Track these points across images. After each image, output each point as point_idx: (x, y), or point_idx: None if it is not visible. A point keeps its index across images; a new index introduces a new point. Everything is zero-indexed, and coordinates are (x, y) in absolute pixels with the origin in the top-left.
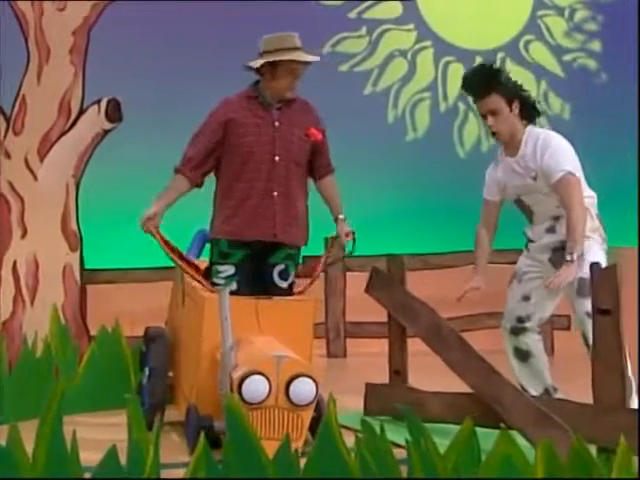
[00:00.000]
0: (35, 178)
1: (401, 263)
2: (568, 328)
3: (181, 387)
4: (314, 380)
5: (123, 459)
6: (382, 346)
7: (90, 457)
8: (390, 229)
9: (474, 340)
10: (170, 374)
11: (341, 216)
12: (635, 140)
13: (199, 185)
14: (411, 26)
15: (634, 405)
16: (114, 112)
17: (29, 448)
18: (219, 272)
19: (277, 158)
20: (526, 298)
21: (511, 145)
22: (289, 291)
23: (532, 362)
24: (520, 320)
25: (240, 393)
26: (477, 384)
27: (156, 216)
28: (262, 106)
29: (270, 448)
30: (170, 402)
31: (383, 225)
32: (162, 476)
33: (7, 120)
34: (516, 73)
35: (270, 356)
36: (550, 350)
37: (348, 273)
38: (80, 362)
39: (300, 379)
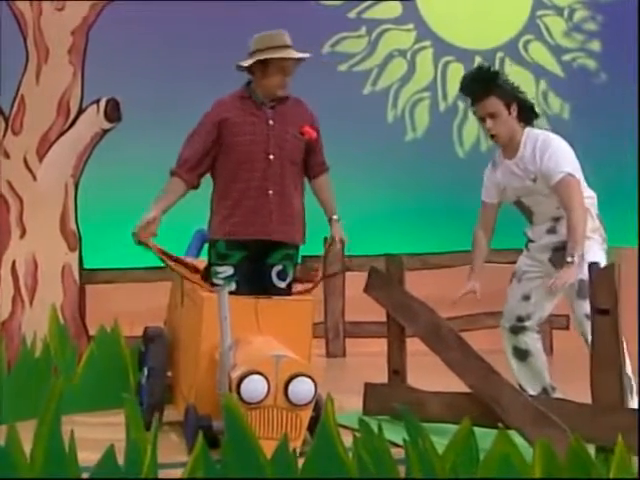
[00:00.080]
0: (34, 178)
1: (400, 263)
2: (567, 328)
3: (180, 387)
4: (313, 380)
5: (121, 459)
6: (381, 346)
7: (88, 457)
8: (389, 229)
9: (473, 340)
10: (169, 374)
11: (335, 217)
12: (635, 140)
13: (195, 187)
14: (410, 26)
15: (634, 405)
16: (113, 112)
17: (28, 448)
18: (218, 273)
19: (272, 157)
20: (526, 297)
21: (510, 147)
22: (287, 291)
23: (531, 361)
24: (520, 319)
25: (239, 393)
26: (476, 384)
27: (155, 221)
28: (255, 105)
29: (269, 448)
30: (169, 402)
31: (382, 225)
32: (160, 476)
33: (6, 120)
34: (515, 73)
35: (269, 356)
36: (549, 350)
37: (347, 273)
38: (79, 362)
39: (299, 379)
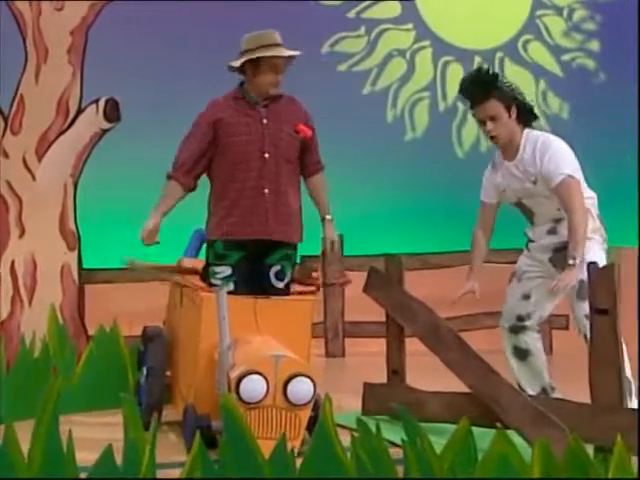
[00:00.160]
0: (33, 178)
1: (399, 263)
2: (566, 327)
3: (179, 387)
4: (312, 380)
5: (119, 459)
6: (381, 346)
7: (86, 457)
8: (388, 229)
9: (472, 340)
10: (168, 374)
11: (328, 217)
12: (635, 140)
13: (192, 189)
14: (410, 26)
15: (634, 406)
16: (112, 112)
17: (26, 448)
18: (216, 273)
19: (267, 155)
20: (526, 297)
21: (509, 149)
22: (286, 291)
23: (531, 361)
24: (520, 319)
25: (238, 392)
26: (475, 384)
27: (156, 228)
28: (249, 105)
29: (268, 448)
30: (168, 402)
31: (381, 225)
32: (158, 476)
33: (5, 120)
34: (515, 73)
35: (268, 356)
36: (548, 349)
37: (347, 273)
38: (78, 362)
39: (298, 379)
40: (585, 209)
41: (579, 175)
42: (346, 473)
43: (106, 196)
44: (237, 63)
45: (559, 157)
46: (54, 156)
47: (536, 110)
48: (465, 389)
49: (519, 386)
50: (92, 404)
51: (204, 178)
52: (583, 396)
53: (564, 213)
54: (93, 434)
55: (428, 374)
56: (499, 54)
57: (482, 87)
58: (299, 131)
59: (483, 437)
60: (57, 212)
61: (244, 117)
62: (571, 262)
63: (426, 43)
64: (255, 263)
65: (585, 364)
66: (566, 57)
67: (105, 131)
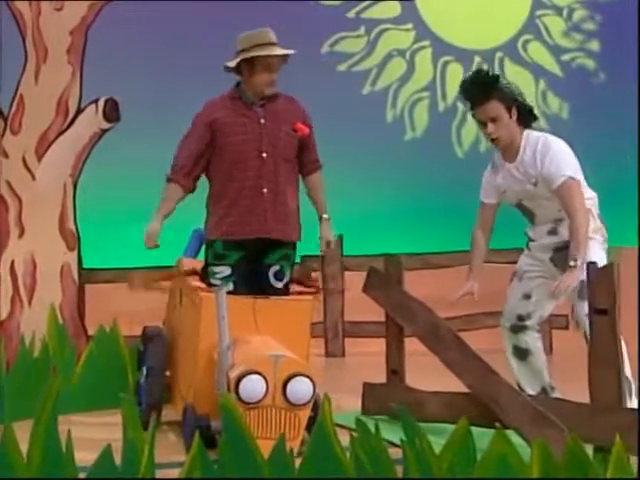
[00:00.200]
0: (33, 178)
1: (399, 263)
2: (566, 327)
3: (178, 386)
4: (311, 379)
5: (118, 459)
6: (380, 345)
7: (85, 457)
8: (388, 228)
9: (472, 340)
10: (168, 373)
11: (325, 215)
12: (635, 140)
13: (192, 191)
14: (409, 26)
15: (634, 406)
16: (112, 112)
17: (25, 448)
18: (215, 273)
19: (264, 155)
20: (527, 296)
21: (509, 151)
22: (285, 291)
23: (531, 360)
24: (520, 318)
25: (237, 392)
26: (474, 384)
27: (158, 232)
28: (245, 105)
29: (267, 448)
30: (167, 401)
31: (381, 224)
32: (157, 476)
33: (5, 120)
34: (514, 73)
35: (267, 355)
36: (548, 349)
37: (346, 272)
38: (78, 362)
39: (297, 378)
40: (586, 211)
41: (580, 176)
42: (345, 473)
43: (106, 196)
44: (232, 63)
45: (560, 159)
46: (54, 156)
47: (536, 110)
48: (464, 389)
49: (518, 386)
50: (92, 404)
51: (203, 178)
52: (583, 396)
53: (564, 214)
54: (92, 434)
55: (427, 374)
56: (499, 54)
57: (483, 88)
58: (297, 129)
59: (482, 437)
60: (57, 212)
61: (240, 117)
62: (572, 264)
63: (426, 43)
64: (254, 263)
65: (585, 364)
66: (566, 57)
67: (105, 131)
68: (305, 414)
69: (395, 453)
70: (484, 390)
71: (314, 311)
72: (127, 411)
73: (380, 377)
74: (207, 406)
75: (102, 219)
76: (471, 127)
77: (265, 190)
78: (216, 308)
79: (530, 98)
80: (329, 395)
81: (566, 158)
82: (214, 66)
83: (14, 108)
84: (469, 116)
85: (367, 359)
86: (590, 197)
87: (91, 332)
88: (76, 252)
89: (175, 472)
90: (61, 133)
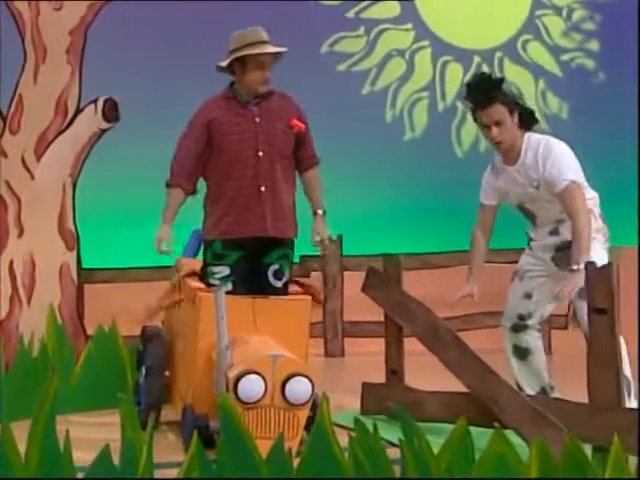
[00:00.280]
0: (32, 177)
1: (397, 262)
2: (566, 327)
3: (177, 386)
4: (310, 379)
5: (117, 459)
6: (380, 345)
7: (84, 457)
8: (387, 228)
9: (471, 339)
10: (167, 373)
11: (320, 211)
12: (635, 140)
13: (194, 193)
14: (409, 26)
15: (633, 406)
16: (111, 111)
17: (23, 448)
18: (214, 273)
19: (261, 153)
20: (528, 296)
21: (511, 154)
22: (284, 290)
23: (531, 360)
24: (521, 318)
25: (236, 392)
26: (473, 384)
27: (166, 237)
28: (240, 105)
29: (266, 447)
30: (166, 401)
31: (380, 224)
32: (156, 476)
33: (4, 119)
34: (514, 73)
35: (266, 355)
36: (548, 349)
37: (345, 272)
38: (77, 361)
39: (296, 378)
40: (588, 214)
41: (581, 177)
42: (343, 473)
43: (105, 196)
44: (224, 63)
45: (561, 162)
46: (53, 156)
47: (536, 112)
48: (463, 389)
49: (517, 386)
50: (90, 404)
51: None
52: (582, 396)
53: (566, 215)
54: (90, 434)
55: (426, 374)
56: (498, 54)
57: (487, 92)
58: (292, 126)
59: (481, 437)
60: (56, 212)
61: (235, 117)
62: (575, 267)
63: (425, 43)
64: (253, 262)
65: (584, 364)
66: (565, 57)
67: (104, 131)
68: (304, 414)
69: (393, 453)
70: (483, 390)
71: (313, 311)
72: (125, 411)
73: (379, 377)
74: (206, 406)
75: (101, 219)
76: (470, 127)
77: (263, 188)
78: (215, 308)
79: (530, 98)
80: (328, 395)
81: (568, 161)
82: (213, 66)
83: (13, 108)
84: (469, 116)
85: (366, 359)
86: (591, 197)
87: (90, 332)
88: (75, 252)
89: (174, 472)
90: (60, 133)
